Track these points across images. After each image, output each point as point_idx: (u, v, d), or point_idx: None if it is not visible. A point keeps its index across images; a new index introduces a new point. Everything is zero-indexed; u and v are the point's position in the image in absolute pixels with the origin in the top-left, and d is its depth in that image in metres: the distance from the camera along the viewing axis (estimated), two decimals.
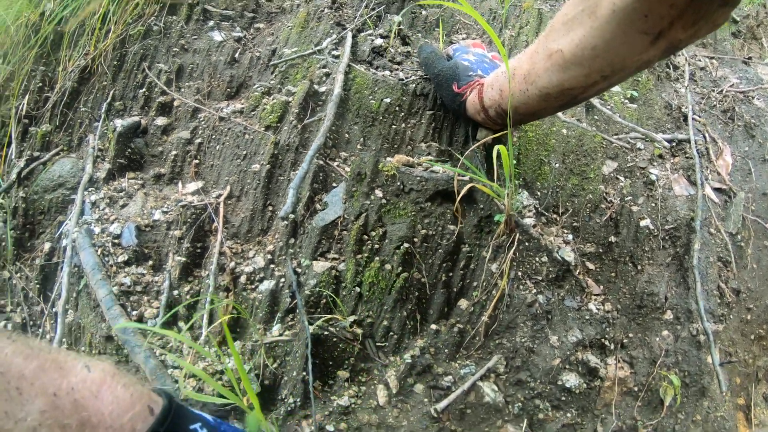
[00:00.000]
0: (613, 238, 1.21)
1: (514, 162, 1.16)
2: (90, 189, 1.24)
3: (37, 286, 1.27)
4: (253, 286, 1.10)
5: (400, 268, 1.05)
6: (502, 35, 1.60)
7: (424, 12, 1.55)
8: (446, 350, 1.06)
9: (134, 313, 1.11)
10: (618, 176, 1.30)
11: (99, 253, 1.14)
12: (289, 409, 0.95)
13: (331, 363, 1.03)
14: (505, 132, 1.12)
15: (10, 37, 1.56)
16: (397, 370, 1.02)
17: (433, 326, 1.07)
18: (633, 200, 1.27)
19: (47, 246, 1.28)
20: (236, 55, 1.36)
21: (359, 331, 1.05)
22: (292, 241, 1.10)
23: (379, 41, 1.35)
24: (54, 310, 1.24)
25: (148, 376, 1.04)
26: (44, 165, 1.36)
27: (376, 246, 1.07)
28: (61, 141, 1.39)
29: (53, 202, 1.31)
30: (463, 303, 1.09)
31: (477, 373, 1.03)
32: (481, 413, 1.01)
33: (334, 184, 1.14)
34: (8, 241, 1.33)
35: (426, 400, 1.01)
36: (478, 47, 1.31)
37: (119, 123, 1.27)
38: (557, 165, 1.26)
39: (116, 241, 1.16)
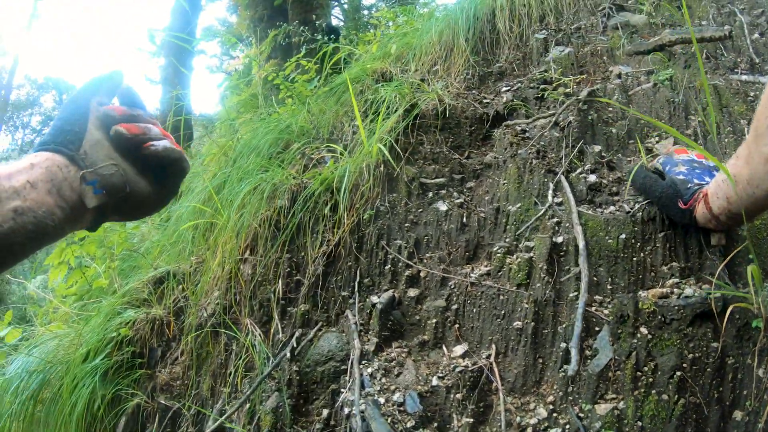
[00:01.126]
0: None
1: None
2: (363, 362, 1.42)
3: None
4: None
5: (676, 396, 1.09)
6: (690, 123, 1.67)
7: (613, 130, 1.67)
8: None
9: None
10: None
11: (389, 421, 1.28)
12: None
13: None
14: (734, 226, 1.19)
15: (253, 232, 1.87)
16: None
17: None
18: None
19: (325, 412, 1.45)
20: (464, 220, 1.54)
21: None
22: (570, 389, 1.18)
23: (592, 177, 1.47)
24: None
25: None
26: (311, 341, 1.58)
27: (650, 379, 1.13)
28: (319, 318, 1.61)
29: (325, 374, 1.50)
30: (737, 414, 1.10)
31: None
32: None
33: (596, 328, 1.23)
34: (286, 408, 1.52)
35: None
36: (682, 153, 1.40)
37: (377, 299, 1.46)
38: None
39: (401, 408, 1.30)
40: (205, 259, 2.08)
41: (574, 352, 1.11)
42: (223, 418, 1.63)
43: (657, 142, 1.67)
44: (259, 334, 1.72)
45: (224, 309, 1.87)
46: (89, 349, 2.04)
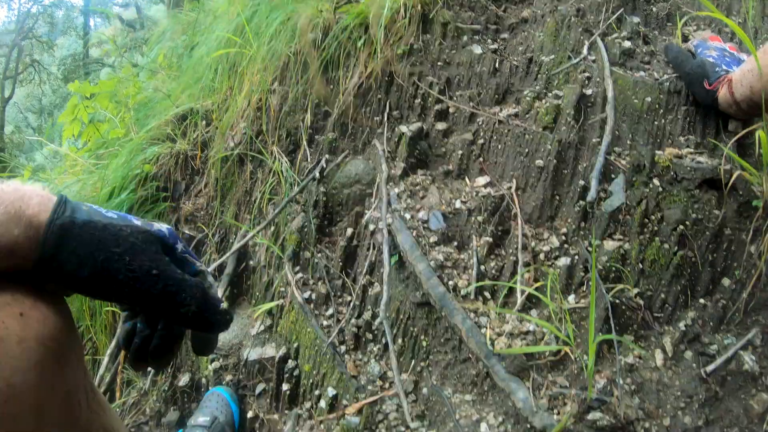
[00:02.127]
0: None
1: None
2: (390, 184, 1.54)
3: (339, 263, 1.59)
4: (550, 263, 1.34)
5: (676, 248, 1.24)
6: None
7: (653, 9, 1.71)
8: (711, 323, 1.23)
9: (450, 283, 1.38)
10: None
11: (414, 234, 1.43)
12: (584, 365, 1.18)
13: (617, 328, 1.23)
14: (755, 123, 1.27)
15: (282, 64, 1.91)
16: (671, 337, 1.22)
17: (701, 300, 1.25)
18: None
19: (349, 231, 1.60)
20: (496, 65, 1.60)
21: (641, 302, 1.25)
22: (583, 224, 1.33)
23: (627, 44, 1.54)
24: (361, 283, 1.54)
25: (464, 335, 1.31)
26: (338, 166, 1.69)
27: (656, 228, 1.27)
28: (346, 146, 1.71)
29: (350, 196, 1.63)
30: (725, 281, 1.25)
31: (738, 343, 1.19)
32: (739, 380, 1.15)
33: (612, 176, 1.35)
34: (311, 227, 1.66)
35: (694, 365, 1.19)
36: (716, 40, 1.47)
37: (406, 129, 1.56)
38: None
39: (425, 225, 1.45)
40: (232, 94, 2.12)
41: (594, 182, 1.25)
42: (249, 236, 1.74)
43: (695, 30, 1.71)
44: (286, 161, 1.81)
45: (251, 138, 1.95)
46: (113, 187, 2.06)
